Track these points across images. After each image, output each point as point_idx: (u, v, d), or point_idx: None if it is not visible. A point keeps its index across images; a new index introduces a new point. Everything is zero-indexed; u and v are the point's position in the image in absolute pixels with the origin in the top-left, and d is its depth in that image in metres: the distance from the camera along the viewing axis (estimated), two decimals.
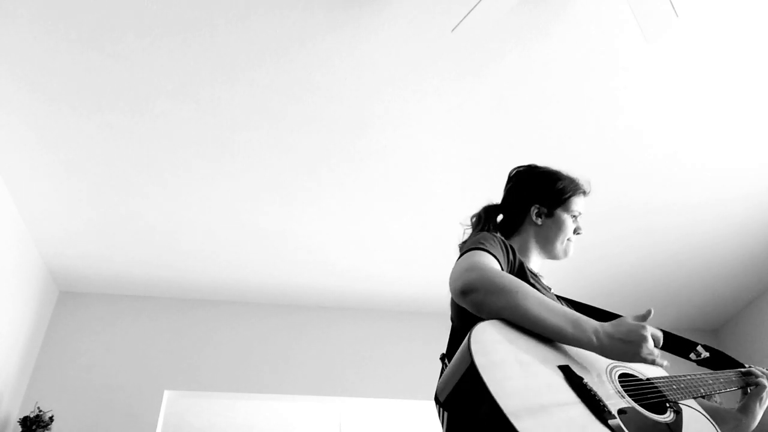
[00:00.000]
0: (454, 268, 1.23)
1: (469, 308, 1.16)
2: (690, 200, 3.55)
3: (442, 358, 1.26)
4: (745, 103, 2.97)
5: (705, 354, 1.49)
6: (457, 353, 1.01)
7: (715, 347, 1.52)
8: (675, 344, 1.51)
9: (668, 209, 3.60)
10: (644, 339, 1.07)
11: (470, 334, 1.00)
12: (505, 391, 0.91)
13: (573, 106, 2.94)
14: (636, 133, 3.10)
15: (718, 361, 1.50)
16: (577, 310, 1.58)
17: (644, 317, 1.16)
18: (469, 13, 2.26)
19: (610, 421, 0.97)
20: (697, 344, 1.50)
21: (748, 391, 1.43)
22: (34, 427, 3.22)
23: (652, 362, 1.08)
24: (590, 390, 1.02)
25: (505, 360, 0.99)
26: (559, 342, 1.10)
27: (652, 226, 3.73)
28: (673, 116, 3.02)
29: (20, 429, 3.25)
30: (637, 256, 3.99)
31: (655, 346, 1.11)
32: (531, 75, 2.77)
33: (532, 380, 0.97)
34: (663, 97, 2.92)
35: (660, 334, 1.14)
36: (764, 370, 1.48)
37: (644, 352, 1.07)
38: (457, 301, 1.18)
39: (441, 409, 1.00)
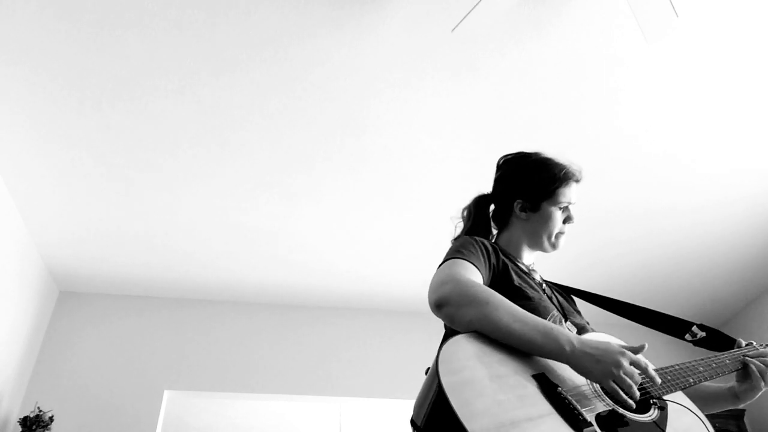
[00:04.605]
0: (431, 281, 1.21)
1: (444, 321, 1.14)
2: (690, 202, 3.55)
3: (427, 372, 1.25)
4: (745, 104, 2.97)
5: (701, 333, 1.47)
6: (427, 375, 0.98)
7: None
8: (670, 325, 1.49)
9: (668, 211, 3.60)
10: (617, 364, 1.02)
11: (439, 353, 0.98)
12: (474, 412, 0.88)
13: (572, 107, 2.93)
14: (635, 134, 3.10)
15: (715, 340, 1.47)
16: (580, 296, 1.56)
17: (635, 350, 1.10)
18: (469, 12, 2.27)
19: (585, 430, 0.95)
20: (693, 324, 1.48)
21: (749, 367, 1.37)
22: (34, 427, 3.21)
23: (615, 391, 1.01)
24: (565, 398, 0.99)
25: (475, 376, 0.96)
26: (531, 353, 1.06)
27: (651, 228, 3.73)
28: (673, 117, 3.02)
29: (20, 429, 3.25)
30: (637, 258, 3.99)
31: (646, 376, 1.06)
32: (531, 74, 2.77)
33: (504, 394, 0.94)
34: (662, 98, 2.92)
35: (649, 369, 1.07)
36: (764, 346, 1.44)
37: (611, 377, 1.01)
38: (434, 314, 1.16)
39: None
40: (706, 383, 1.40)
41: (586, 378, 1.06)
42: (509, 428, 0.88)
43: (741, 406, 1.38)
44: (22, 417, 3.27)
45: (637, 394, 1.02)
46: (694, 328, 1.47)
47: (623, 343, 1.16)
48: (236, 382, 3.91)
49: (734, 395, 1.38)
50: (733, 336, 1.48)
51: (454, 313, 1.11)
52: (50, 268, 3.84)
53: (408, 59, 2.67)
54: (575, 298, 1.60)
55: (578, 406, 0.99)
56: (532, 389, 0.99)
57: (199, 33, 2.50)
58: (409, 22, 2.51)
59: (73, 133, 2.90)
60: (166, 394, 3.79)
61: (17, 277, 3.42)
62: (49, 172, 3.12)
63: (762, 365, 1.36)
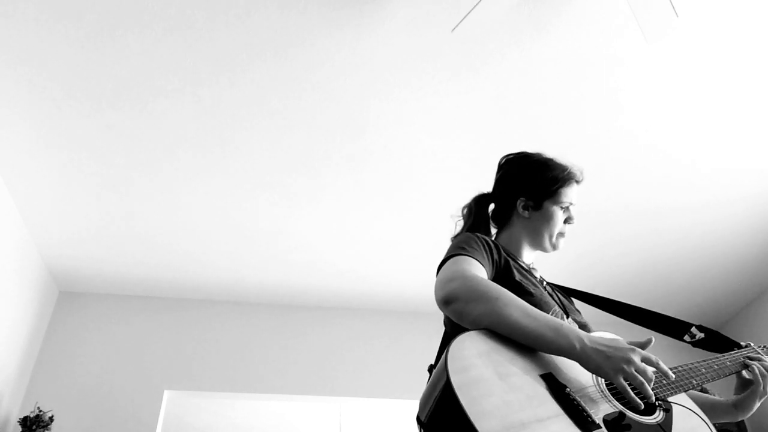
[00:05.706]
0: (437, 278, 1.21)
1: (452, 317, 1.14)
2: (689, 202, 3.54)
3: (430, 369, 1.21)
4: (745, 103, 2.97)
5: (700, 335, 1.46)
6: (435, 371, 0.98)
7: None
8: (669, 326, 1.49)
9: (668, 211, 3.60)
10: (628, 360, 1.02)
11: (447, 350, 0.97)
12: (483, 411, 0.88)
13: (573, 107, 2.93)
14: (635, 133, 3.10)
15: (714, 341, 1.47)
16: (578, 297, 1.57)
17: (643, 345, 1.11)
18: (469, 12, 2.27)
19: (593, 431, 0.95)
20: (692, 325, 1.48)
21: (743, 374, 1.38)
22: (34, 427, 3.21)
23: (624, 389, 1.01)
24: (573, 399, 0.99)
25: (483, 375, 0.95)
26: (540, 350, 1.06)
27: (651, 228, 3.73)
28: (673, 117, 3.02)
29: (20, 429, 3.25)
30: (637, 258, 3.98)
31: (656, 371, 1.06)
32: (531, 74, 2.77)
33: (513, 394, 0.94)
34: (663, 98, 2.92)
35: (660, 364, 1.07)
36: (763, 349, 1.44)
37: (622, 374, 1.01)
38: (441, 310, 1.17)
39: (422, 430, 0.97)
40: (706, 395, 1.41)
41: (596, 375, 1.06)
42: (519, 429, 0.88)
43: (740, 419, 1.38)
44: (22, 417, 3.27)
45: (651, 392, 1.01)
46: (693, 329, 1.47)
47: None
48: (236, 382, 3.91)
49: (733, 404, 1.38)
50: (733, 336, 1.48)
51: (463, 309, 1.10)
52: (50, 268, 3.83)
53: (408, 59, 2.67)
54: (574, 300, 1.60)
55: (586, 408, 0.98)
56: (541, 390, 0.98)
57: (199, 33, 2.50)
58: (409, 22, 2.51)
59: (74, 133, 2.90)
60: (166, 394, 3.79)
61: (17, 277, 3.42)
62: (49, 172, 3.12)
63: (763, 368, 1.36)
